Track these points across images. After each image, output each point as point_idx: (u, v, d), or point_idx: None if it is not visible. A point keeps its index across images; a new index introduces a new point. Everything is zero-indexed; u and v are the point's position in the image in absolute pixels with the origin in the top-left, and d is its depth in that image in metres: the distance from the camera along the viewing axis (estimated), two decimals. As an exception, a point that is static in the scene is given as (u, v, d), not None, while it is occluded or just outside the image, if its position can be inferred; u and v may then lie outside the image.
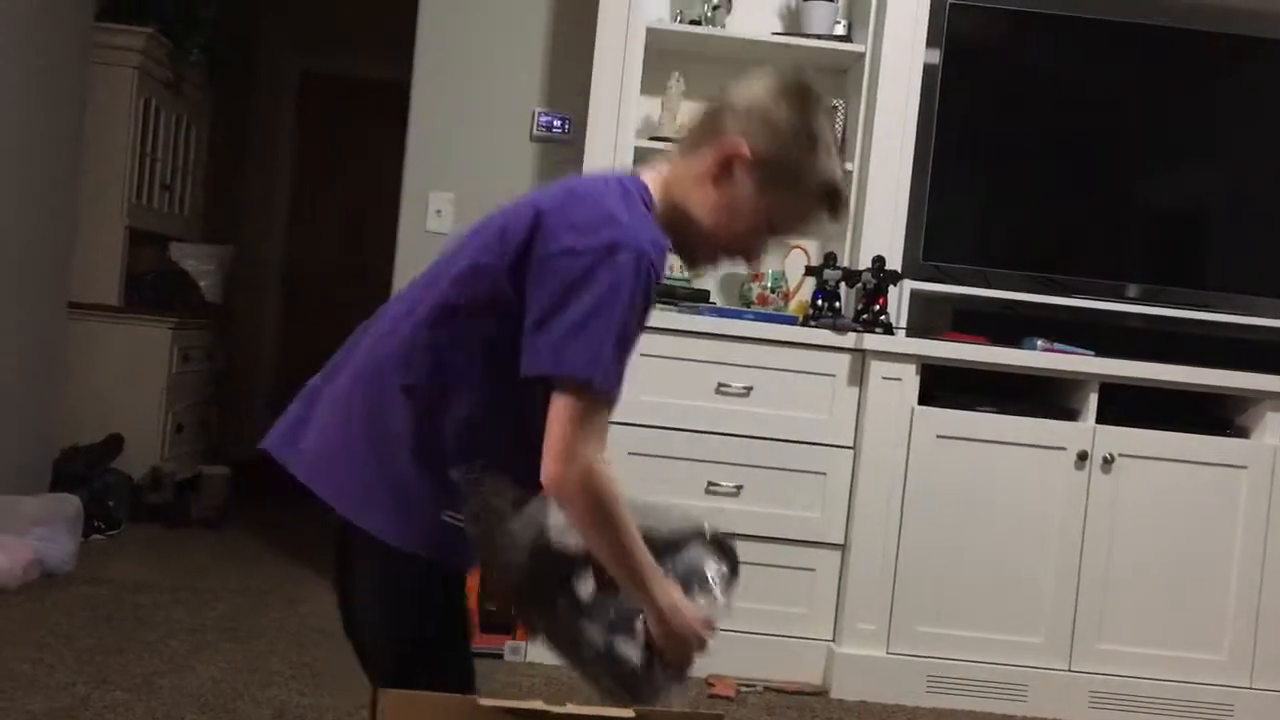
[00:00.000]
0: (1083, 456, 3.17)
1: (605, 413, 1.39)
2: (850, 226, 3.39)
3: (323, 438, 1.49)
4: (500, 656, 3.18)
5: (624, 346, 1.39)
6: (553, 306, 1.37)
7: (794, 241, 1.39)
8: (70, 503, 3.73)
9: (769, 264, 3.44)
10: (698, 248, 1.56)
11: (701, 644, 1.48)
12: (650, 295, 1.42)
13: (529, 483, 1.59)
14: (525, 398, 1.43)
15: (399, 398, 1.44)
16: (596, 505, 1.38)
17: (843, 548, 3.20)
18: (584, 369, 1.36)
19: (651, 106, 3.49)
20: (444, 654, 1.51)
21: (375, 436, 1.45)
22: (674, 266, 3.24)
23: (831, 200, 1.55)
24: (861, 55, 3.40)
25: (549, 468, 1.37)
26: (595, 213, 1.41)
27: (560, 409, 1.37)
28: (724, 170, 1.50)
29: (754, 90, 1.53)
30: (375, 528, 1.44)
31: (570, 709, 1.21)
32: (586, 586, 1.43)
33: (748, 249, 1.56)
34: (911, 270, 3.36)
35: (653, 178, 1.54)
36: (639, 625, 1.43)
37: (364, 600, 1.54)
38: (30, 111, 3.86)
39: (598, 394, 1.37)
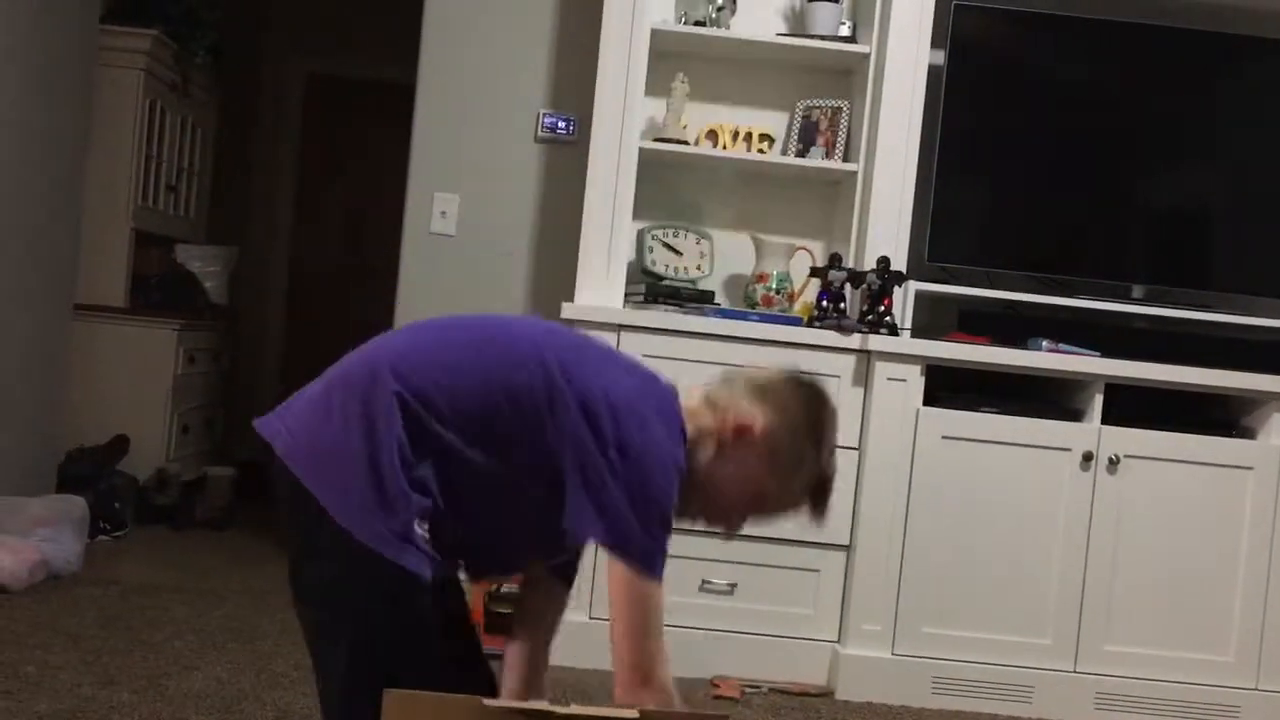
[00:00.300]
0: (1088, 457, 3.16)
1: (661, 603, 1.53)
2: (855, 227, 3.39)
3: (313, 425, 1.51)
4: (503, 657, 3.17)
5: (666, 542, 1.53)
6: (610, 486, 1.48)
7: (773, 517, 1.73)
8: (76, 504, 3.74)
9: (774, 265, 3.44)
10: (688, 497, 1.59)
11: None
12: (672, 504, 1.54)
13: (484, 561, 1.66)
14: (508, 501, 1.53)
15: (395, 407, 1.47)
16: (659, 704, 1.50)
17: (848, 549, 3.20)
18: (649, 564, 1.51)
19: (656, 108, 3.49)
20: (410, 665, 1.50)
21: (366, 435, 1.46)
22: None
23: (817, 497, 1.64)
24: (866, 56, 3.40)
25: (626, 691, 1.49)
26: (650, 409, 1.54)
27: (627, 615, 1.51)
28: (735, 438, 1.59)
29: (773, 375, 1.66)
30: (350, 521, 1.45)
31: (574, 709, 1.21)
32: None
33: (728, 518, 1.65)
34: (916, 271, 3.36)
35: (686, 409, 1.61)
36: None
37: (325, 605, 1.54)
38: (35, 113, 3.87)
39: (655, 586, 1.51)
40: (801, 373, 1.68)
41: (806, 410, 1.62)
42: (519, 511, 1.55)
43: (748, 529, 3.27)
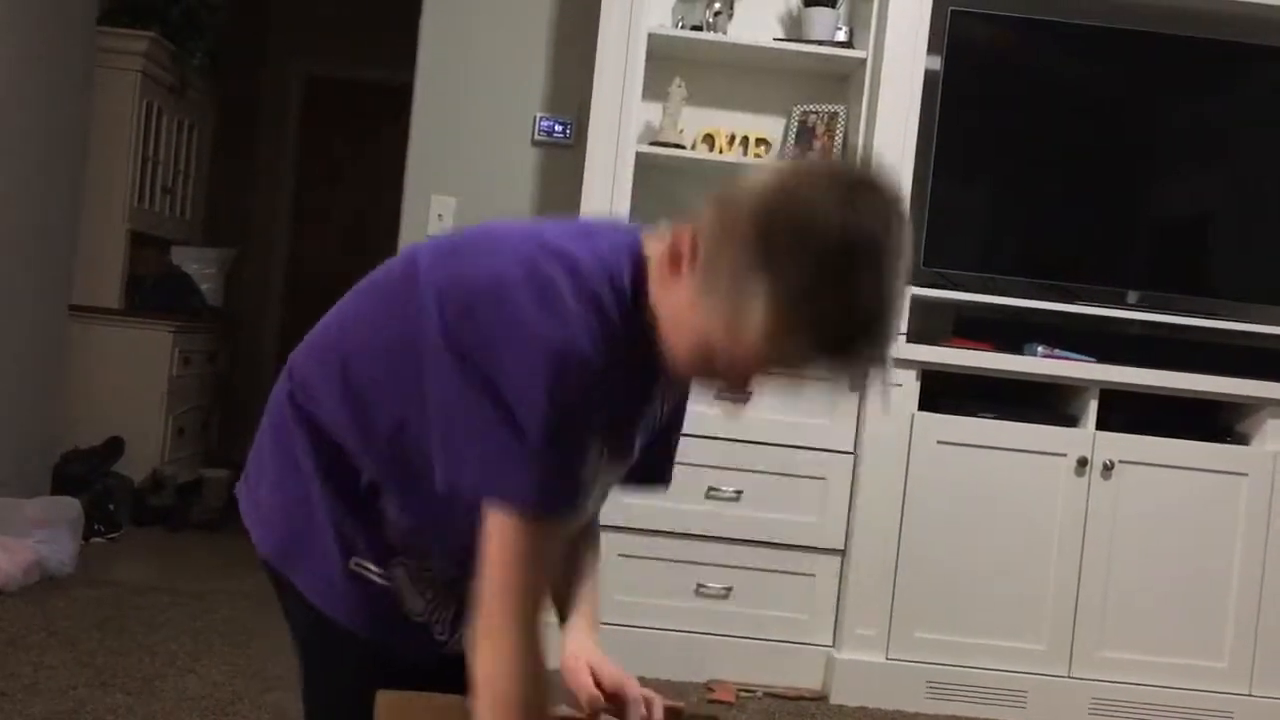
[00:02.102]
0: (1083, 463, 3.17)
1: (551, 536, 1.11)
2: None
3: (252, 462, 1.32)
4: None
5: (566, 462, 1.08)
6: (464, 406, 1.09)
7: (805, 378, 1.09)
8: (71, 505, 3.74)
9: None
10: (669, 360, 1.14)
11: None
12: (589, 403, 1.07)
13: (449, 544, 1.24)
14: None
15: (294, 414, 1.25)
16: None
17: (843, 553, 3.20)
18: (517, 496, 1.07)
19: (653, 112, 3.49)
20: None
21: (281, 457, 1.25)
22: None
23: (807, 338, 1.00)
24: (863, 61, 3.40)
25: (477, 642, 1.10)
26: (546, 270, 1.09)
27: (494, 556, 1.09)
28: (673, 264, 1.08)
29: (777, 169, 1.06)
30: (287, 569, 1.25)
31: (564, 710, 1.22)
32: None
33: (712, 383, 1.13)
34: (912, 276, 3.35)
35: (658, 248, 1.13)
36: None
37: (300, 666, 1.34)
38: (32, 114, 3.87)
39: (536, 527, 1.09)
40: (841, 163, 1.13)
41: (759, 208, 1.01)
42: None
43: (745, 524, 3.26)
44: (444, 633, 1.27)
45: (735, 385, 1.10)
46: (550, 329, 1.05)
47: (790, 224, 0.99)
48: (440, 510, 1.16)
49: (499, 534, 1.08)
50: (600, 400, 1.09)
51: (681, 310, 1.08)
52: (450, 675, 1.17)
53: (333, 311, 1.29)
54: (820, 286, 0.98)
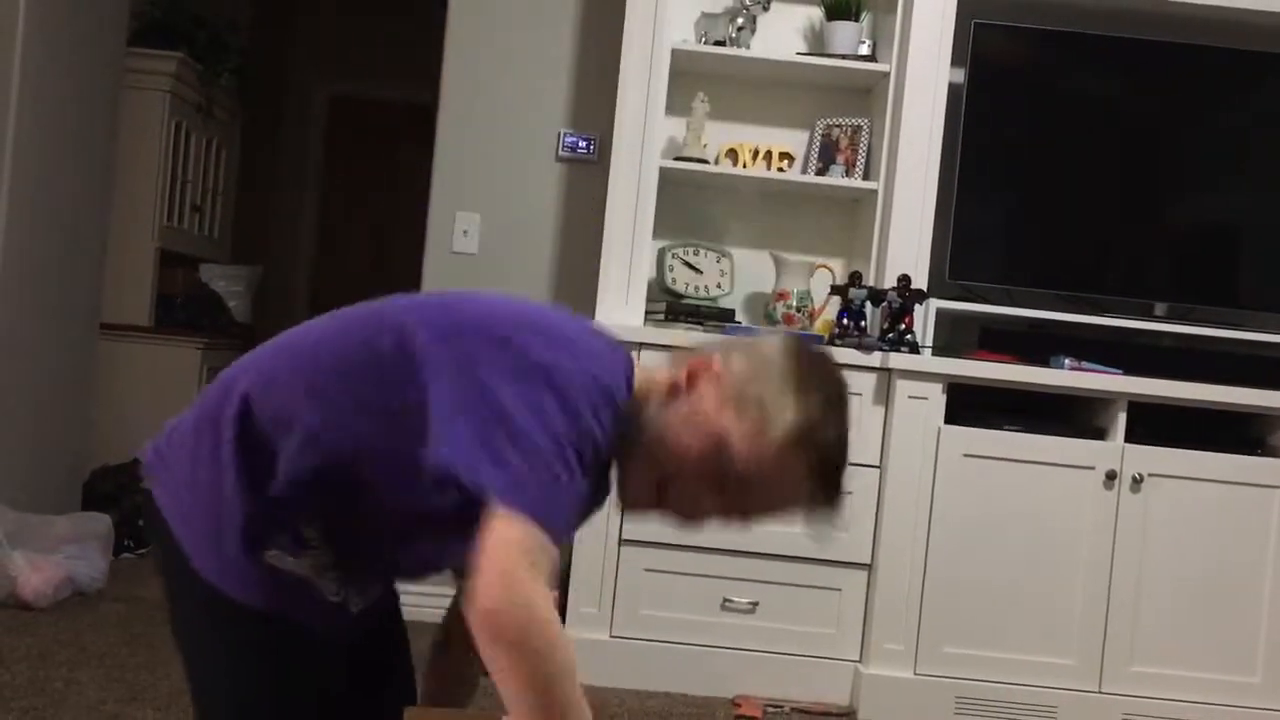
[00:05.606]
0: (1111, 476, 3.14)
1: (553, 553, 1.16)
2: (875, 245, 3.39)
3: (173, 436, 1.37)
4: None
5: (570, 490, 1.18)
6: (472, 403, 1.18)
7: (765, 516, 1.33)
8: (101, 521, 3.77)
9: (794, 283, 3.44)
10: (636, 468, 1.30)
11: None
12: (599, 448, 1.22)
13: (361, 560, 1.35)
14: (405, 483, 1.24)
15: (237, 415, 1.31)
16: (527, 647, 1.11)
17: (869, 568, 3.19)
18: (532, 502, 1.14)
19: (676, 127, 3.50)
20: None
21: (208, 441, 1.30)
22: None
23: (811, 456, 1.26)
24: (886, 74, 3.40)
25: (481, 593, 1.10)
26: (574, 334, 1.28)
27: (499, 535, 1.12)
28: (690, 382, 1.30)
29: (761, 335, 1.38)
30: (191, 546, 1.29)
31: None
32: None
33: (689, 493, 1.29)
34: (937, 289, 3.35)
35: (642, 371, 1.34)
36: None
37: (185, 650, 1.38)
38: (63, 134, 3.91)
39: (548, 539, 1.15)
40: (796, 339, 1.37)
41: (785, 355, 1.30)
42: (416, 492, 1.23)
43: (769, 539, 3.25)
44: (357, 604, 1.36)
45: (709, 506, 1.31)
46: (594, 369, 1.25)
47: (812, 361, 1.32)
48: (369, 549, 1.31)
49: (503, 533, 1.13)
50: (596, 471, 1.25)
51: (702, 414, 1.27)
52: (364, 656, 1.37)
53: (311, 343, 1.43)
54: (830, 412, 1.29)
